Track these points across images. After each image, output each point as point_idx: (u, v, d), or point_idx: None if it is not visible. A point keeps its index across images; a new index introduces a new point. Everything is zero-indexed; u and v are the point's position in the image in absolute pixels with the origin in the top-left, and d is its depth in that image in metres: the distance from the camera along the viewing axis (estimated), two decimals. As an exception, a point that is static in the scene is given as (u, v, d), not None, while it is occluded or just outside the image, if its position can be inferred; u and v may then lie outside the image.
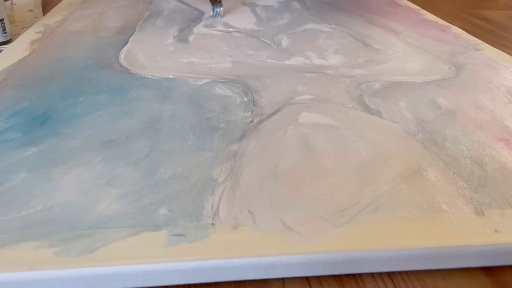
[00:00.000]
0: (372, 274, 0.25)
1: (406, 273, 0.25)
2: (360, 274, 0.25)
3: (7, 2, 0.70)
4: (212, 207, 0.27)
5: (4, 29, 0.56)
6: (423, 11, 0.71)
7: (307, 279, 0.25)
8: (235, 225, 0.25)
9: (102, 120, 0.36)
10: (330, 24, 0.63)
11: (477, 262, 0.25)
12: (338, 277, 0.25)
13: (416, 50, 0.53)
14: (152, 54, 0.51)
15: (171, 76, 0.45)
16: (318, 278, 0.25)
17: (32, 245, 0.24)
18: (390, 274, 0.25)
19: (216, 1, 0.65)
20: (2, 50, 0.53)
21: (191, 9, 0.69)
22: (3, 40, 0.57)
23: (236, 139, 0.34)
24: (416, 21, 0.65)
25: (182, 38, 0.56)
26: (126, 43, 0.54)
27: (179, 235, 0.25)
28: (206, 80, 0.44)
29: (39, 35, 0.56)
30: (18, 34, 0.59)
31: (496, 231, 0.26)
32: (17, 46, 0.52)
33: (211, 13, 0.64)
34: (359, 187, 0.29)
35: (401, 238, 0.25)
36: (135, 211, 0.26)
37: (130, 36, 0.56)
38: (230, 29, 0.60)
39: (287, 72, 0.46)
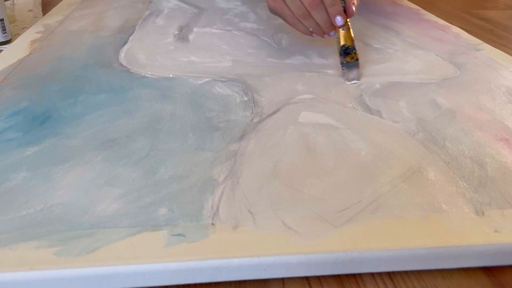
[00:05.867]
0: (372, 274, 0.25)
1: (406, 273, 0.25)
2: (360, 274, 0.25)
3: (7, 2, 0.70)
4: (212, 207, 0.27)
5: (4, 29, 0.56)
6: (423, 11, 0.71)
7: (307, 279, 0.25)
8: (235, 225, 0.25)
9: (102, 120, 0.36)
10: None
11: (477, 262, 0.25)
12: (338, 277, 0.25)
13: (416, 50, 0.53)
14: (152, 53, 0.50)
15: (171, 75, 0.45)
16: (318, 278, 0.25)
17: (32, 245, 0.24)
18: (390, 274, 0.25)
19: (352, 58, 0.45)
20: (2, 50, 0.53)
21: (191, 8, 0.69)
22: (3, 40, 0.57)
23: (236, 139, 0.34)
24: (416, 21, 0.65)
25: (182, 37, 0.56)
26: (126, 42, 0.54)
27: (179, 235, 0.25)
28: (206, 79, 0.44)
29: (39, 35, 0.56)
30: (18, 34, 0.59)
31: (496, 231, 0.26)
32: (17, 46, 0.52)
33: (343, 78, 0.45)
34: (359, 187, 0.29)
35: (401, 238, 0.25)
36: (135, 211, 0.26)
37: (130, 35, 0.56)
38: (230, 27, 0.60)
39: (287, 71, 0.46)
